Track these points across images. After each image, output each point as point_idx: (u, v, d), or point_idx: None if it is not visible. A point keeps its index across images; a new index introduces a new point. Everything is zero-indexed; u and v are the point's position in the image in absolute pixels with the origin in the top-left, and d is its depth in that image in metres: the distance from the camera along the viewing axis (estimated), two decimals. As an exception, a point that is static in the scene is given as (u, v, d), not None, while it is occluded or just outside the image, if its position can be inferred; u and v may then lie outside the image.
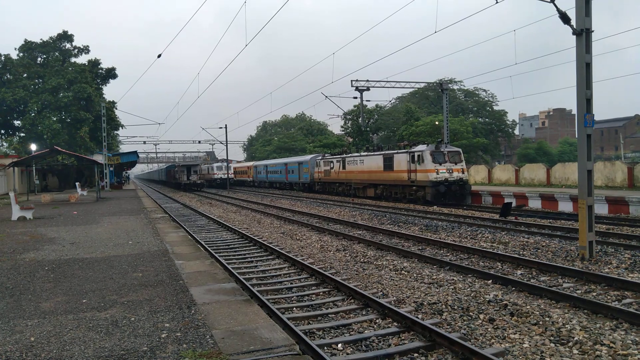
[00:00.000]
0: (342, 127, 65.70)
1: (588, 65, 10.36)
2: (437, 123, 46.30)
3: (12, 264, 8.99)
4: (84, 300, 6.37)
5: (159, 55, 22.64)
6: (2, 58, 42.74)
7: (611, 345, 5.56)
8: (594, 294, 7.85)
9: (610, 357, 5.28)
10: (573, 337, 5.82)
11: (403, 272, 9.70)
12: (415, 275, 9.39)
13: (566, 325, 6.16)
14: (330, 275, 9.05)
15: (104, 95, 49.10)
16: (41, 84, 43.07)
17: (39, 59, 45.50)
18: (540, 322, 6.37)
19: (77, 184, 38.32)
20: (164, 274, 7.95)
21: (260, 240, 13.78)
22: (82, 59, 47.10)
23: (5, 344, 4.75)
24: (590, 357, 5.32)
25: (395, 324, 6.54)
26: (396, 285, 8.68)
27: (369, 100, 45.83)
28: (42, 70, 43.53)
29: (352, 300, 7.76)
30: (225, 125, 52.29)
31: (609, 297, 7.65)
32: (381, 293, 8.15)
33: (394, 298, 7.81)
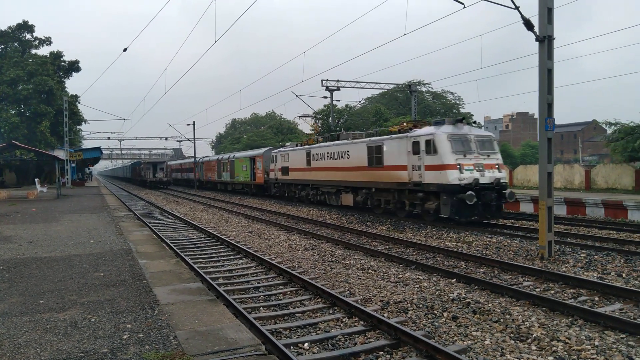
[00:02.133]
0: (311, 126, 65.67)
1: (550, 71, 10.73)
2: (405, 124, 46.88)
3: (-36, 264, 8.56)
4: (42, 301, 6.13)
5: (125, 49, 22.06)
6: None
7: (567, 341, 5.78)
8: (552, 292, 8.14)
9: (565, 353, 5.49)
10: (532, 334, 6.02)
11: (370, 271, 9.79)
12: (381, 274, 9.50)
13: (525, 323, 6.37)
14: (297, 274, 9.04)
15: (66, 89, 47.41)
16: (-2, 75, 41.21)
17: (-4, 49, 43.53)
18: (501, 320, 6.56)
19: (36, 180, 36.79)
20: (126, 273, 7.75)
21: (227, 239, 13.62)
22: (44, 51, 45.37)
23: (-46, 348, 4.52)
24: (547, 352, 5.52)
25: (361, 322, 6.59)
26: (363, 284, 8.75)
27: (339, 100, 46.28)
28: (0, 61, 41.64)
29: (320, 300, 7.77)
30: (194, 122, 51.53)
31: (565, 294, 7.96)
32: (348, 292, 8.20)
33: (361, 297, 7.87)
